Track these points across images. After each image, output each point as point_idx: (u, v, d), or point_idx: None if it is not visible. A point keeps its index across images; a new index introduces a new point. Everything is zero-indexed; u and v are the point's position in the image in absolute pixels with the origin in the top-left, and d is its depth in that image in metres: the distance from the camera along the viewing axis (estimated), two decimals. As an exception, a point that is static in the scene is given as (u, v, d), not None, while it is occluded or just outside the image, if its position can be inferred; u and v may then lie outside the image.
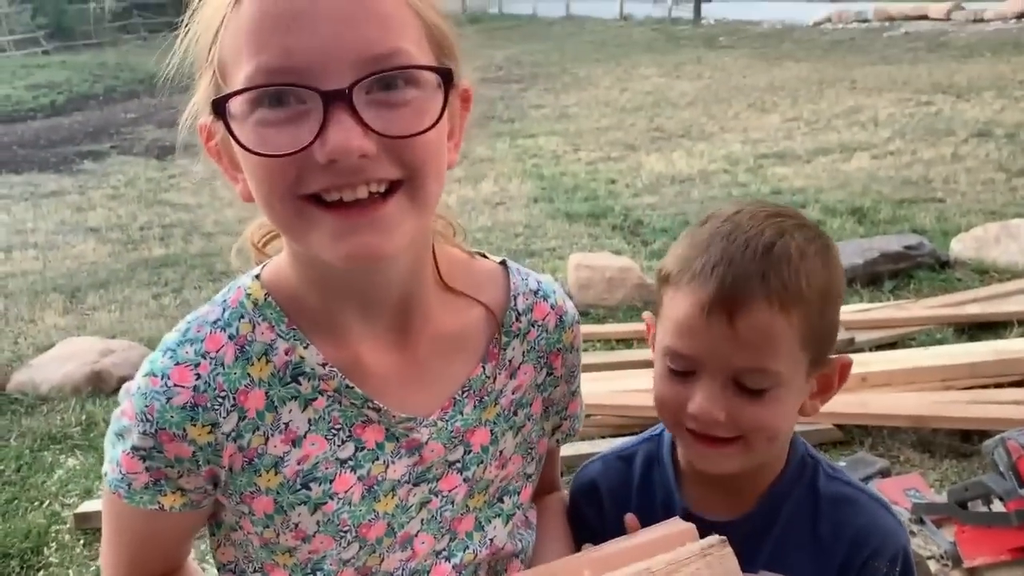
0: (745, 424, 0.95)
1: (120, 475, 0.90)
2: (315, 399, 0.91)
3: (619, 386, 3.63)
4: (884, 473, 2.72)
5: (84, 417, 3.92)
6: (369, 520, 0.93)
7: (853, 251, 4.75)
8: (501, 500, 1.03)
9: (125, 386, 0.91)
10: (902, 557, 0.99)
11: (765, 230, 0.93)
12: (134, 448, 0.88)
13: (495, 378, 0.99)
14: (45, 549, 3.06)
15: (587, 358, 4.14)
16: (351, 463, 0.92)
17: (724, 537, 0.92)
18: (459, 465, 0.98)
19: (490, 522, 1.02)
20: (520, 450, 1.03)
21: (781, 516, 1.02)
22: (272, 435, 0.90)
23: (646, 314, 1.08)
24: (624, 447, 1.17)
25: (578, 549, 1.08)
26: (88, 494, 3.33)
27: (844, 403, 3.35)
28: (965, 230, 5.16)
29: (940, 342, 3.91)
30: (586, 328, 4.73)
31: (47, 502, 3.34)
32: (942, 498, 2.33)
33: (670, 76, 13.39)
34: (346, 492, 0.92)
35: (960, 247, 4.89)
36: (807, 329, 0.93)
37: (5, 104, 14.50)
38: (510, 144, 9.32)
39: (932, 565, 2.39)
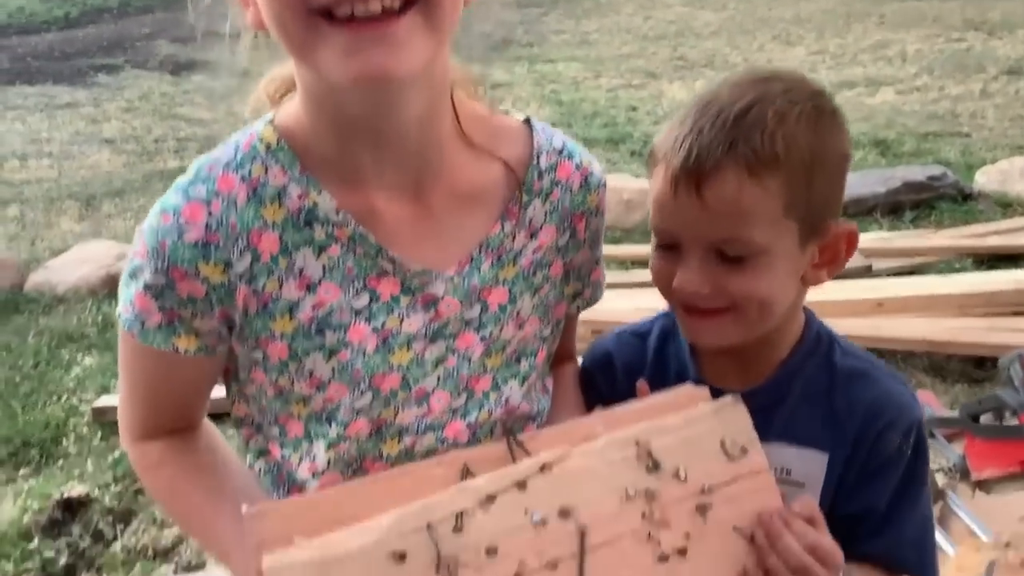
0: (732, 293, 0.93)
1: (134, 314, 0.89)
2: (329, 246, 0.89)
3: (633, 304, 3.62)
4: (897, 390, 2.72)
5: (100, 318, 3.95)
6: (383, 372, 0.93)
7: (875, 180, 4.69)
8: (518, 361, 1.02)
9: (139, 227, 0.90)
10: (916, 430, 0.98)
11: (744, 96, 0.90)
12: (147, 286, 0.87)
13: (514, 237, 0.97)
14: (64, 440, 3.12)
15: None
16: (366, 314, 0.91)
17: (738, 396, 0.92)
18: (476, 324, 0.97)
19: (506, 382, 1.01)
20: (538, 312, 1.01)
21: (794, 388, 1.01)
22: (286, 280, 0.89)
23: None
24: (639, 324, 1.16)
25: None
26: (105, 391, 3.38)
27: (857, 327, 3.34)
28: (991, 164, 5.07)
29: (959, 272, 3.87)
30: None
31: (65, 397, 3.39)
32: (954, 413, 2.34)
33: (694, 5, 13.07)
34: (360, 342, 0.91)
35: (984, 179, 4.82)
36: (790, 196, 0.90)
37: (19, 15, 14.31)
38: (528, 69, 9.16)
39: (940, 478, 2.40)
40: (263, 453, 1.02)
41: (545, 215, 0.98)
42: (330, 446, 0.95)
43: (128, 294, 0.90)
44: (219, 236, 0.86)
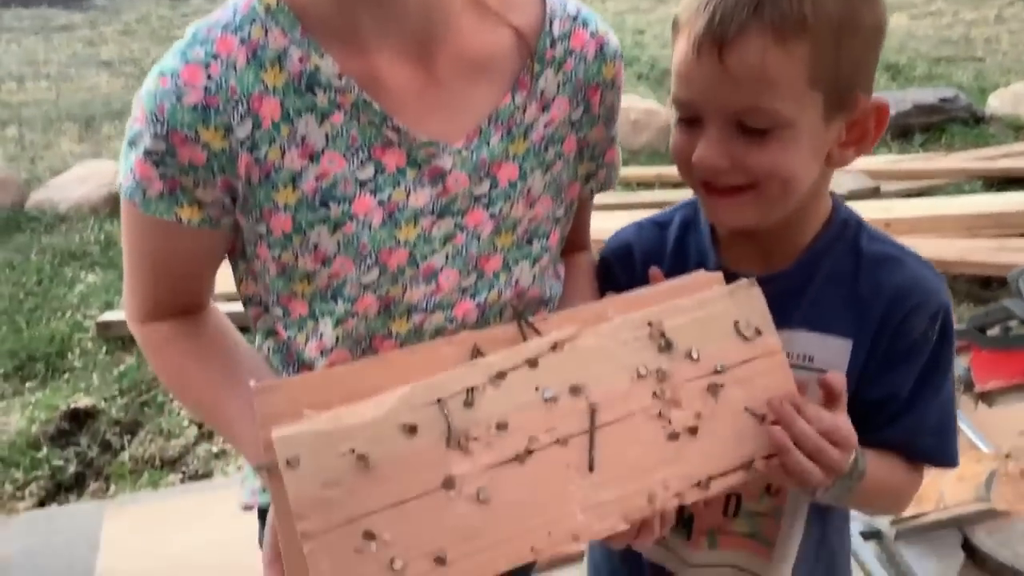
0: (753, 169, 0.88)
1: (135, 182, 0.86)
2: (332, 113, 0.86)
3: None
4: (903, 305, 2.72)
5: (103, 236, 3.95)
6: (390, 247, 0.90)
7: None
8: (529, 242, 0.99)
9: (137, 93, 0.87)
10: (943, 315, 0.94)
11: None
12: (147, 152, 0.84)
13: (525, 109, 0.93)
14: (69, 354, 3.13)
15: (607, 198, 4.12)
16: (371, 186, 0.88)
17: (753, 279, 0.89)
18: (485, 200, 0.94)
19: (517, 263, 0.99)
20: (550, 191, 0.98)
21: (819, 273, 0.97)
22: (289, 148, 0.86)
23: None
24: (660, 214, 1.12)
25: None
26: (109, 307, 3.39)
27: (866, 246, 3.33)
28: (1004, 87, 4.99)
29: (968, 195, 3.84)
30: (606, 171, 4.67)
31: (69, 313, 3.39)
32: (960, 325, 2.33)
33: (704, -71, 12.74)
34: (366, 215, 0.89)
35: (997, 103, 4.75)
36: (816, 64, 0.85)
37: (11, -63, 14.01)
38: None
39: (944, 391, 2.41)
40: (271, 333, 1.00)
41: (558, 86, 0.94)
42: (338, 323, 0.93)
43: (128, 162, 0.87)
44: (219, 99, 0.83)
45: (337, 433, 0.74)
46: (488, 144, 0.91)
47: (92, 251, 3.86)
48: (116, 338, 3.16)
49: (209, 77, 0.82)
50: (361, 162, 0.87)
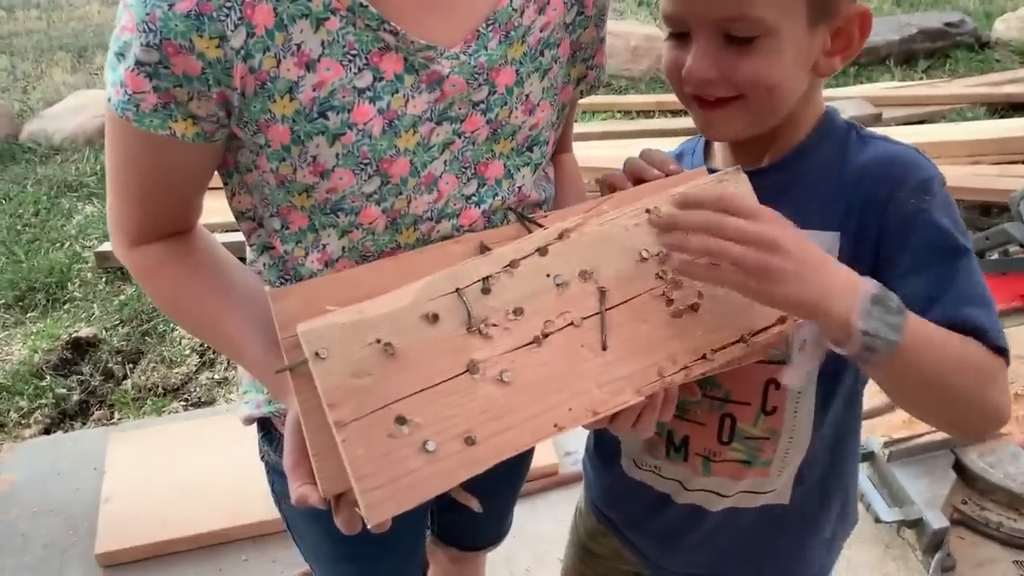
0: (739, 79, 0.89)
1: (127, 96, 0.83)
2: (327, 19, 0.84)
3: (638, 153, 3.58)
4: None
5: (99, 167, 3.92)
6: (391, 156, 0.89)
7: (889, 27, 4.53)
8: (530, 149, 0.99)
9: (123, 0, 0.84)
10: (932, 185, 0.91)
11: None
12: (138, 63, 0.81)
13: (523, 12, 0.92)
14: (69, 284, 3.14)
15: (607, 126, 4.08)
16: (369, 93, 0.87)
17: (739, 167, 0.92)
18: (483, 106, 0.93)
19: (519, 170, 0.99)
20: (548, 96, 0.97)
21: (804, 169, 0.97)
22: (284, 57, 0.84)
23: None
24: (673, 149, 1.14)
25: None
26: (107, 238, 3.38)
27: (866, 173, 3.31)
28: (1011, 11, 4.89)
29: (971, 121, 3.80)
30: (607, 99, 4.62)
31: (68, 243, 3.39)
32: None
33: None
34: (366, 124, 0.87)
35: (1004, 27, 4.66)
36: None
37: None
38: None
39: (940, 316, 2.42)
40: (266, 248, 0.99)
41: None
42: (343, 234, 0.93)
43: (117, 75, 0.84)
44: (212, 6, 0.80)
45: (362, 324, 0.77)
46: (486, 48, 0.90)
47: (88, 182, 3.83)
48: (115, 268, 3.17)
49: None
50: (359, 69, 0.86)
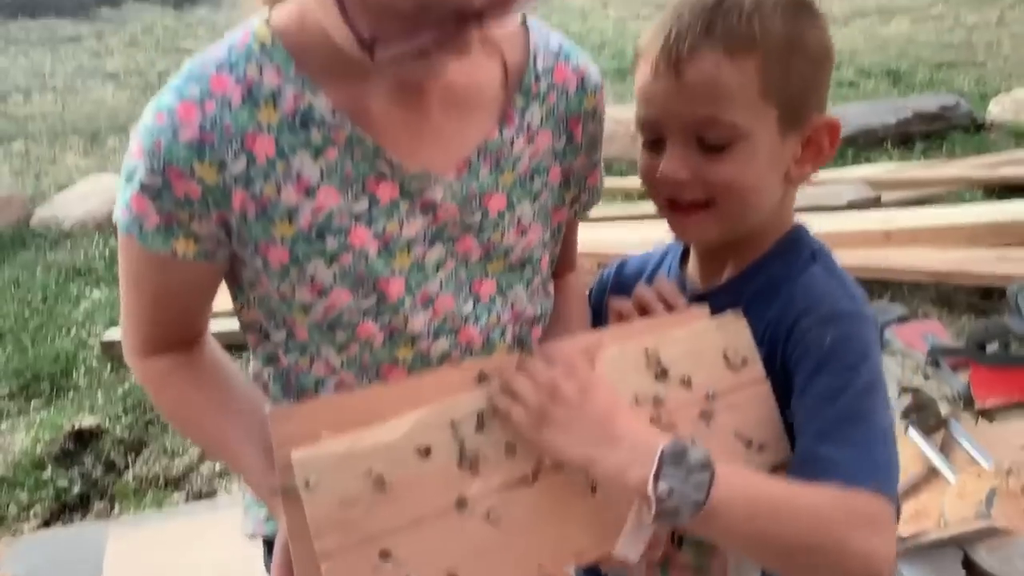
0: (711, 182, 0.93)
1: (132, 216, 0.88)
2: (326, 149, 0.88)
3: (639, 236, 3.61)
4: (902, 319, 2.71)
5: (107, 252, 3.97)
6: (387, 276, 0.93)
7: (886, 110, 4.62)
8: (522, 267, 1.02)
9: (134, 128, 0.89)
10: (841, 321, 0.90)
11: None
12: (143, 186, 0.86)
13: (512, 142, 0.96)
14: (73, 372, 3.15)
15: (607, 210, 4.13)
16: (366, 218, 0.91)
17: (739, 310, 0.93)
18: (476, 229, 0.96)
19: (511, 287, 1.02)
20: (539, 218, 1.01)
21: (749, 289, 0.99)
22: (284, 184, 0.88)
23: None
24: (651, 251, 1.17)
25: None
26: (113, 324, 3.41)
27: (865, 257, 3.33)
28: (1005, 93, 4.98)
29: (969, 203, 3.84)
30: (608, 182, 4.68)
31: (74, 330, 3.42)
32: (959, 341, 2.34)
33: (706, -67, 12.75)
34: (362, 246, 0.91)
35: (998, 109, 4.74)
36: (767, 78, 0.91)
37: (17, -52, 14.10)
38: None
39: (943, 407, 2.41)
40: (271, 360, 1.02)
41: (542, 119, 0.97)
42: (341, 349, 0.96)
43: (125, 196, 0.89)
44: (214, 136, 0.85)
45: (354, 454, 0.77)
46: (478, 177, 0.94)
47: (97, 267, 3.88)
48: (120, 356, 3.17)
49: (204, 114, 0.84)
50: (356, 195, 0.90)
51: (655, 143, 0.95)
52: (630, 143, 4.47)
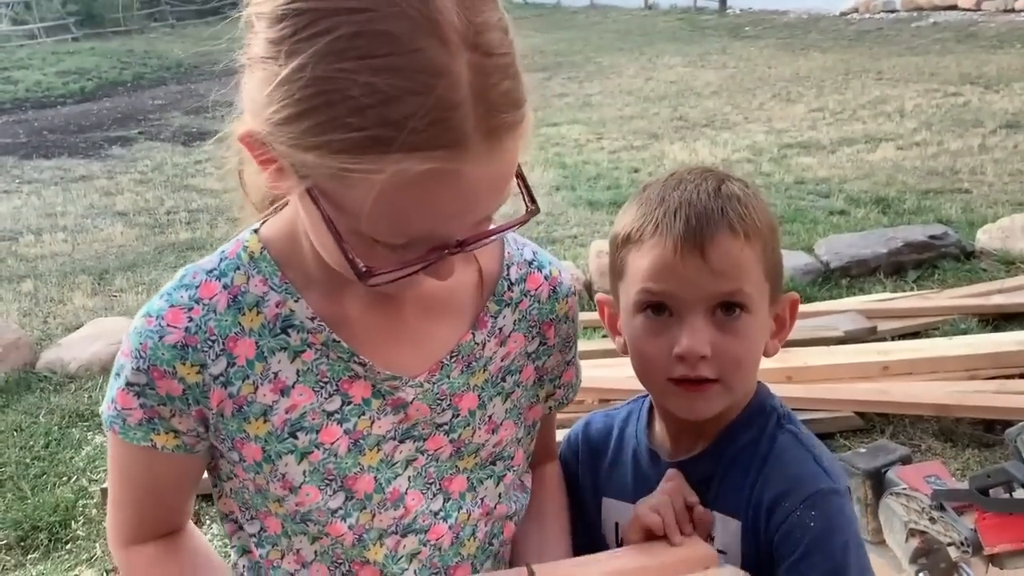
0: (724, 359, 0.98)
1: (116, 411, 0.93)
2: (304, 351, 0.93)
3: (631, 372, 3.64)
4: (905, 460, 2.70)
5: (111, 396, 3.99)
6: (355, 473, 0.96)
7: (877, 240, 4.73)
8: (493, 463, 1.05)
9: (127, 331, 0.95)
10: (820, 500, 0.97)
11: (707, 179, 1.01)
12: (128, 384, 0.91)
13: (484, 345, 1.00)
14: (72, 523, 3.12)
15: (600, 344, 4.16)
16: (337, 416, 0.95)
17: (738, 567, 0.97)
18: (446, 427, 1.00)
19: (482, 483, 1.04)
20: (511, 416, 1.04)
21: (725, 457, 1.04)
22: (261, 384, 0.93)
23: (600, 296, 1.09)
24: (614, 408, 1.19)
25: (575, 523, 1.11)
26: (115, 470, 3.39)
27: (865, 391, 3.35)
28: (992, 221, 5.10)
29: (964, 332, 3.88)
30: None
31: (75, 477, 3.40)
32: (963, 485, 2.32)
33: (695, 66, 13.29)
34: (332, 444, 0.95)
35: (986, 238, 4.85)
36: (765, 259, 1.00)
37: (36, 90, 14.67)
38: (532, 133, 9.29)
39: (952, 552, 2.38)
40: (245, 551, 1.05)
41: (514, 323, 1.02)
42: (314, 540, 0.98)
43: (112, 392, 0.94)
44: (197, 340, 0.91)
45: None
46: (449, 377, 0.98)
47: (100, 411, 3.89)
48: (109, 547, 3.15)
49: (190, 319, 0.90)
50: (329, 394, 0.94)
51: (658, 313, 0.99)
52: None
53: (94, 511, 3.18)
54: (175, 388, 0.91)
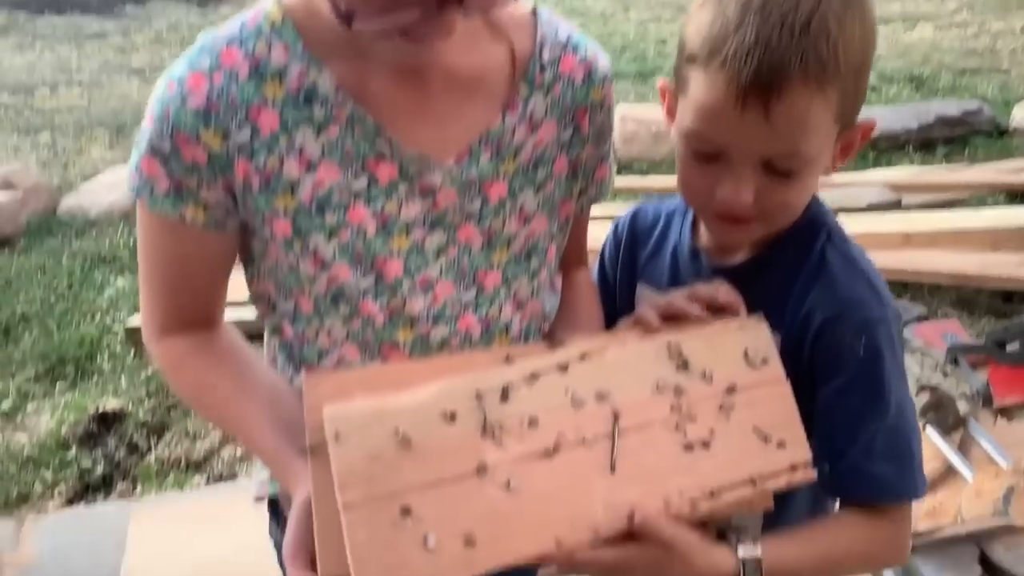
0: (770, 205, 0.92)
1: (142, 180, 0.91)
2: (328, 126, 0.91)
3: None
4: (922, 318, 2.71)
5: (131, 242, 4.02)
6: (384, 256, 0.95)
7: (908, 114, 4.61)
8: (528, 258, 1.03)
9: (149, 100, 0.93)
10: (871, 328, 0.92)
11: (799, 5, 0.84)
12: (152, 150, 0.89)
13: (514, 131, 0.97)
14: (98, 356, 3.20)
15: (626, 208, 4.15)
16: (364, 196, 0.93)
17: (760, 314, 0.95)
18: (476, 216, 0.98)
19: (516, 278, 1.03)
20: (544, 209, 1.01)
21: (770, 268, 0.99)
22: (287, 158, 0.91)
23: (662, 80, 1.03)
24: (665, 200, 1.16)
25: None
26: (137, 310, 3.44)
27: (885, 259, 3.32)
28: (1029, 99, 4.97)
29: (991, 207, 3.83)
30: (629, 180, 4.70)
31: (98, 316, 3.46)
32: (979, 340, 2.33)
33: (729, -61, 12.71)
34: (360, 224, 0.93)
35: (1021, 115, 4.72)
36: (842, 104, 0.88)
37: (45, -54, 14.26)
38: (556, 3, 9.02)
39: (962, 405, 2.41)
40: (276, 331, 1.05)
41: (546, 110, 0.98)
42: (345, 322, 0.98)
43: (135, 161, 0.92)
44: (219, 105, 0.88)
45: (383, 413, 0.80)
46: (478, 163, 0.95)
47: (121, 256, 3.93)
48: (144, 343, 3.22)
49: (212, 85, 0.88)
50: (355, 173, 0.92)
51: (708, 155, 0.92)
52: (651, 144, 4.53)
53: (119, 347, 3.25)
54: (200, 156, 0.89)
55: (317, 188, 0.92)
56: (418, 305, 0.98)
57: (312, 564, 0.80)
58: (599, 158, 1.06)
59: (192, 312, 1.01)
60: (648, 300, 1.03)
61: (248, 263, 1.02)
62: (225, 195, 0.92)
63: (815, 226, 0.99)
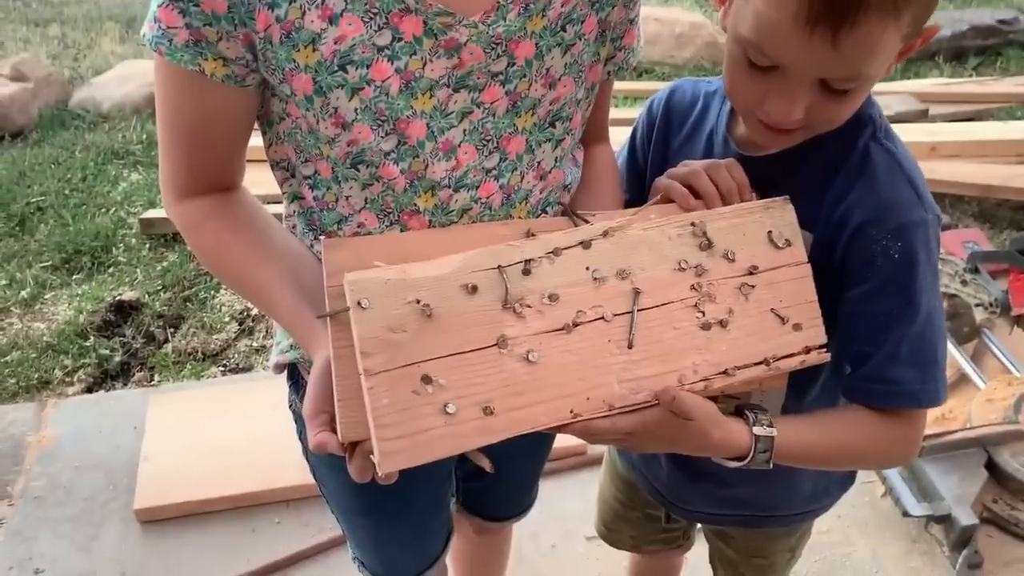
0: (819, 119, 0.88)
1: (160, 30, 0.88)
2: None
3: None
4: (944, 227, 2.68)
5: (145, 136, 3.99)
6: (407, 116, 0.92)
7: (940, 22, 4.46)
8: (552, 125, 1.01)
9: None
10: (909, 232, 0.89)
11: None
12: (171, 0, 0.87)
13: None
14: (113, 249, 3.21)
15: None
16: (388, 52, 0.90)
17: (787, 197, 0.94)
18: (501, 77, 0.95)
19: (540, 146, 1.00)
20: (571, 72, 0.98)
21: (808, 162, 0.95)
22: (309, 9, 0.88)
23: None
24: (706, 80, 1.12)
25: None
26: (151, 205, 3.45)
27: (909, 169, 3.27)
28: (1066, 10, 4.80)
29: (1020, 120, 3.74)
30: (650, 85, 4.60)
31: (113, 209, 3.46)
32: (1002, 249, 2.31)
33: None
34: (383, 82, 0.90)
35: (1058, 26, 4.57)
36: (913, 23, 0.83)
37: None
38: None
39: (979, 314, 2.40)
40: (296, 197, 1.03)
41: None
42: (364, 187, 0.97)
43: (153, 11, 0.89)
44: None
45: (405, 282, 0.81)
46: (505, 19, 0.92)
47: (135, 150, 3.90)
48: (159, 235, 3.23)
49: None
50: (379, 27, 0.89)
51: (762, 66, 0.86)
52: (674, 46, 4.40)
53: (133, 240, 3.25)
54: (220, 5, 0.86)
55: (339, 42, 0.88)
56: (440, 170, 0.96)
57: (332, 426, 0.81)
58: (628, 21, 1.02)
59: (212, 174, 0.99)
60: (669, 171, 1.00)
61: (268, 126, 1.00)
62: (245, 48, 0.89)
63: (861, 119, 0.94)
